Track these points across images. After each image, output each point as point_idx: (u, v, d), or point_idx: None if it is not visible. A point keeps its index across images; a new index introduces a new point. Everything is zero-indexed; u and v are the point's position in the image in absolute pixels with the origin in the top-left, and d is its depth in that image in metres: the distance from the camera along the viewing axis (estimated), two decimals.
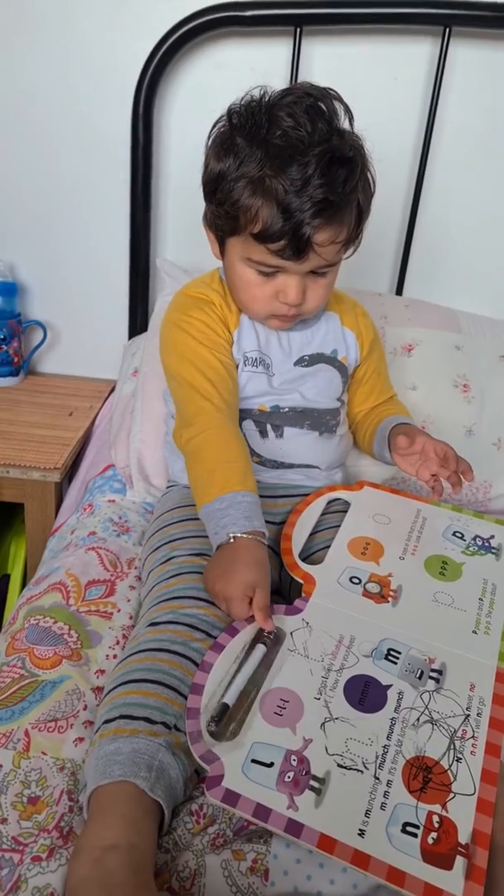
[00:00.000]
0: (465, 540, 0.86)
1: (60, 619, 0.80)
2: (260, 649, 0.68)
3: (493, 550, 0.85)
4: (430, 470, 0.88)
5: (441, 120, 1.23)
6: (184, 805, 0.63)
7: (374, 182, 0.80)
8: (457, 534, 0.87)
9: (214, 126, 0.79)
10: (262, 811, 0.55)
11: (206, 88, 1.25)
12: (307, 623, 0.72)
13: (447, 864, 0.53)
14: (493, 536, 0.87)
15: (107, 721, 0.62)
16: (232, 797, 0.56)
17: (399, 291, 1.34)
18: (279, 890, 0.57)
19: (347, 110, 0.78)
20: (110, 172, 1.31)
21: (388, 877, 0.52)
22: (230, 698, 0.63)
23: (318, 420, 0.93)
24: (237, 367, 0.89)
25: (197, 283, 0.93)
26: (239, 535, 0.73)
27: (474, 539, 0.86)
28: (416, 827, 0.55)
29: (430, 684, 0.66)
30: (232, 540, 0.73)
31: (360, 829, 0.54)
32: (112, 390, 1.38)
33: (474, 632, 0.73)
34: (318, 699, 0.64)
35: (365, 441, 1.02)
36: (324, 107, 0.76)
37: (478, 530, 0.88)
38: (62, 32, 1.23)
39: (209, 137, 0.80)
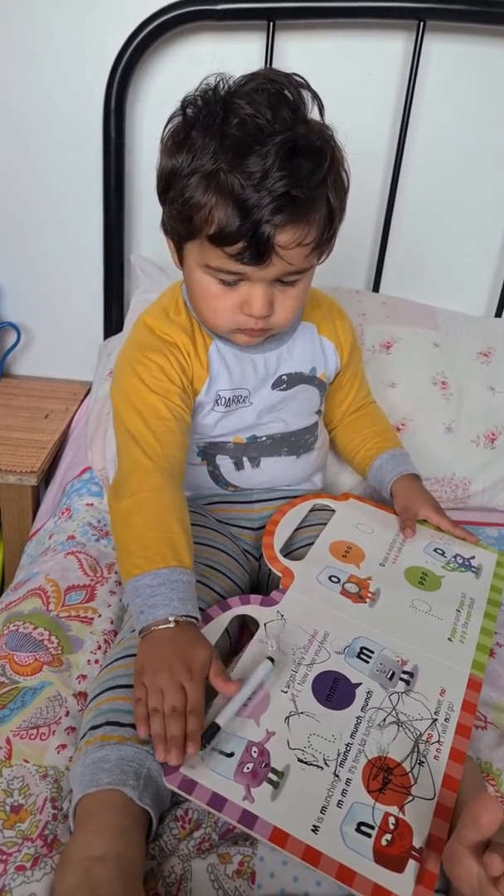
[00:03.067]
0: (445, 556, 0.87)
1: (40, 625, 0.78)
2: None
3: (473, 569, 0.86)
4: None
5: (416, 115, 1.23)
6: (169, 810, 0.62)
7: (348, 178, 0.72)
8: (438, 550, 0.88)
9: (169, 121, 0.71)
10: (217, 800, 0.55)
11: (180, 84, 1.21)
12: (282, 615, 0.72)
13: (399, 867, 0.53)
14: (473, 557, 0.88)
15: (93, 727, 0.61)
16: (188, 784, 0.56)
17: (376, 289, 1.34)
18: (266, 892, 0.57)
19: (316, 97, 0.69)
20: (83, 170, 1.29)
21: (337, 875, 0.52)
22: (224, 719, 0.60)
23: (295, 443, 0.91)
24: (209, 407, 0.83)
25: (159, 313, 0.83)
26: (178, 617, 0.65)
27: (455, 557, 0.87)
28: (371, 827, 0.55)
29: (401, 686, 0.67)
30: (172, 624, 0.65)
31: (314, 826, 0.54)
32: (88, 392, 1.37)
33: (449, 639, 0.74)
34: (286, 692, 0.64)
35: (355, 466, 1.03)
36: (289, 94, 0.67)
37: (459, 550, 0.89)
38: (31, 28, 1.21)
39: (163, 134, 0.71)
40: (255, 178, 0.63)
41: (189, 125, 0.68)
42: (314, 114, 0.70)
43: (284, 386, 0.87)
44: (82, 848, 0.53)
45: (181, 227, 0.70)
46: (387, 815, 0.56)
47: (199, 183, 0.66)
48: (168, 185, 0.70)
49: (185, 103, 0.69)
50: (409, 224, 1.32)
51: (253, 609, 0.72)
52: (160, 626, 0.65)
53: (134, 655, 0.67)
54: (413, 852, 0.54)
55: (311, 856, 0.53)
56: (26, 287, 1.42)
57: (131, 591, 0.69)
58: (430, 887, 0.52)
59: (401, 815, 0.56)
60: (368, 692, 0.65)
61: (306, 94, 0.68)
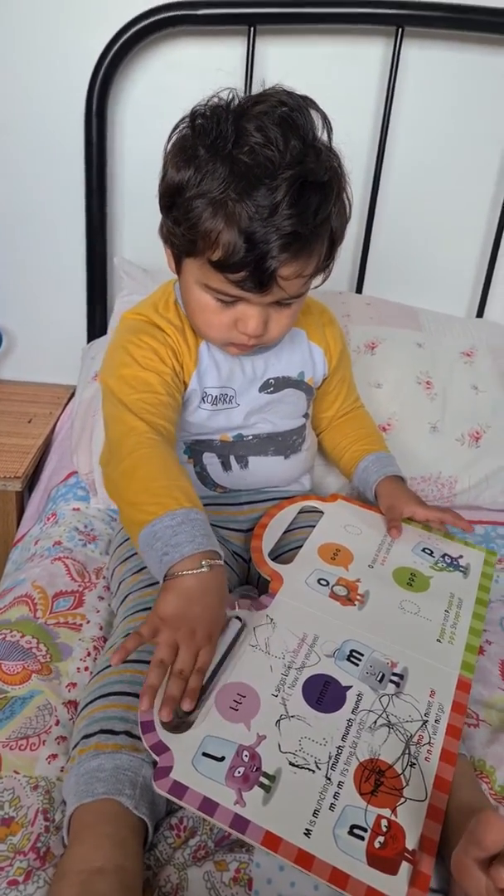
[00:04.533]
0: (433, 556, 0.87)
1: (28, 633, 0.77)
2: (234, 625, 0.66)
3: (461, 569, 0.86)
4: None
5: (396, 118, 1.24)
6: (163, 819, 0.61)
7: (350, 205, 0.72)
8: (426, 550, 0.88)
9: (175, 128, 0.70)
10: (208, 805, 0.54)
11: (162, 87, 1.24)
12: (271, 619, 0.72)
13: (392, 869, 0.53)
14: (461, 556, 0.88)
15: (86, 736, 0.60)
16: (179, 789, 0.55)
17: (359, 290, 1.34)
18: None
19: (326, 120, 0.69)
20: (65, 173, 1.28)
21: (330, 878, 0.51)
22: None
23: (282, 444, 0.91)
24: (195, 404, 0.84)
25: (147, 308, 0.83)
26: (213, 563, 0.64)
27: (443, 557, 0.87)
28: (364, 830, 0.55)
29: (391, 688, 0.67)
30: (205, 568, 0.63)
31: (306, 829, 0.54)
32: (72, 396, 1.36)
33: (438, 640, 0.74)
34: (276, 696, 0.64)
35: (341, 469, 1.03)
36: (299, 119, 0.66)
37: (447, 549, 0.89)
38: (11, 32, 1.20)
39: (169, 140, 0.71)
40: (263, 212, 0.63)
41: (197, 139, 0.67)
42: (323, 136, 0.69)
43: (272, 389, 0.87)
44: (80, 860, 0.52)
45: (184, 244, 0.70)
46: (379, 817, 0.56)
47: (205, 207, 0.65)
48: (173, 199, 0.69)
49: (195, 114, 0.68)
50: (390, 227, 1.32)
51: (242, 613, 0.72)
52: (190, 571, 0.63)
53: (127, 662, 0.65)
54: (406, 854, 0.54)
55: (304, 859, 0.52)
56: (8, 290, 1.41)
57: (147, 538, 0.65)
58: (424, 889, 0.52)
59: (393, 818, 0.56)
60: (359, 695, 0.65)
61: (316, 116, 0.68)
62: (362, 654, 0.69)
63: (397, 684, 0.67)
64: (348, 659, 0.69)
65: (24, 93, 1.24)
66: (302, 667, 0.67)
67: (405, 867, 0.53)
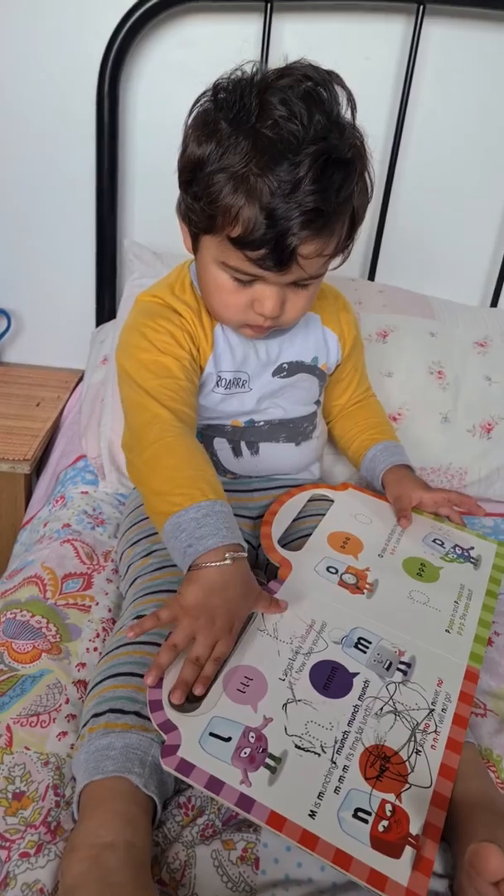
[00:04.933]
0: (444, 547, 0.87)
1: (38, 613, 0.78)
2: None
3: (472, 560, 0.86)
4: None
5: (414, 101, 1.22)
6: (171, 798, 0.62)
7: (371, 185, 0.71)
8: (437, 541, 0.87)
9: (197, 102, 0.69)
10: (214, 783, 0.55)
11: (175, 66, 1.22)
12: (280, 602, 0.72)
13: (395, 853, 0.53)
14: (472, 548, 0.88)
15: (96, 715, 0.61)
16: (186, 767, 0.56)
17: (371, 277, 1.33)
18: (270, 878, 0.57)
19: (350, 98, 0.67)
20: (75, 153, 1.27)
21: (334, 859, 0.52)
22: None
23: (294, 430, 0.90)
24: (210, 386, 0.83)
25: (163, 289, 0.82)
26: (237, 556, 0.65)
27: (454, 548, 0.87)
28: (368, 813, 0.55)
29: (398, 676, 0.67)
30: (229, 560, 0.64)
31: (311, 811, 0.54)
32: (80, 380, 1.36)
33: (447, 630, 0.74)
34: (283, 680, 0.64)
35: (349, 458, 1.02)
36: (324, 94, 0.65)
37: (458, 541, 0.89)
38: (22, 11, 1.18)
39: (190, 113, 0.69)
40: (285, 187, 0.62)
41: (219, 113, 0.65)
42: (347, 113, 0.68)
43: (285, 374, 0.86)
44: (90, 835, 0.53)
45: (203, 221, 0.69)
46: (384, 801, 0.56)
47: (226, 182, 0.64)
48: (193, 175, 0.68)
49: (218, 88, 0.67)
50: (405, 211, 1.31)
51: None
52: (214, 563, 0.64)
53: (136, 643, 0.66)
54: (410, 839, 0.54)
55: (308, 840, 0.53)
56: (16, 272, 1.40)
57: (172, 529, 0.66)
58: (427, 874, 0.52)
59: (397, 803, 0.56)
60: (366, 682, 0.65)
61: (341, 92, 0.67)
62: (370, 642, 0.69)
63: (405, 672, 0.67)
64: (356, 646, 0.69)
65: (35, 73, 1.23)
66: (309, 652, 0.67)
67: (409, 851, 0.53)
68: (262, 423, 0.88)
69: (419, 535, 0.88)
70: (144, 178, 1.30)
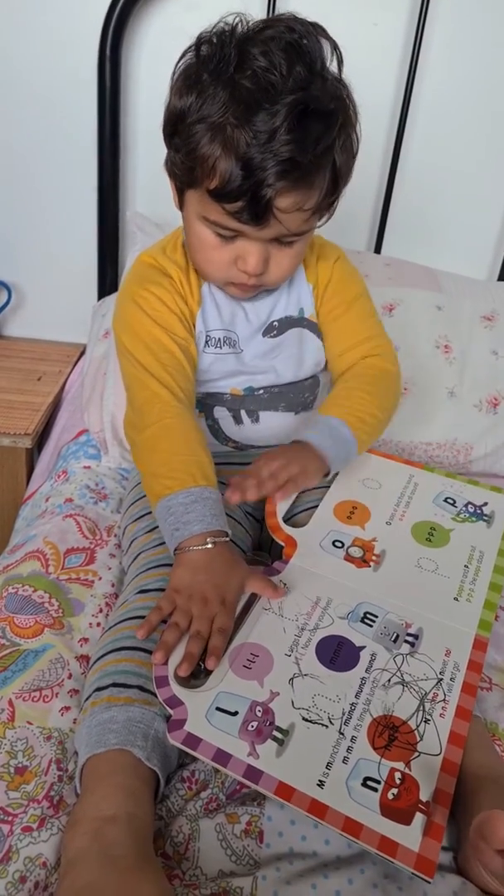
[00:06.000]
0: (456, 506, 0.85)
1: (40, 588, 0.77)
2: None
3: (484, 518, 0.84)
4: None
5: (423, 68, 1.19)
6: (175, 772, 0.62)
7: (357, 141, 0.69)
8: (448, 500, 0.86)
9: (182, 57, 0.68)
10: (222, 756, 0.55)
11: (178, 31, 1.16)
12: (284, 584, 0.71)
13: (406, 820, 0.53)
14: (486, 504, 0.86)
15: (99, 689, 0.61)
16: (193, 741, 0.56)
17: (378, 249, 1.31)
18: (274, 851, 0.56)
19: (335, 49, 0.66)
20: (77, 122, 1.24)
21: (344, 827, 0.52)
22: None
23: (293, 400, 0.89)
24: (200, 347, 0.82)
25: (157, 250, 0.83)
26: (218, 540, 0.68)
27: (466, 506, 0.85)
28: (378, 782, 0.55)
29: (405, 648, 0.66)
30: (210, 545, 0.68)
31: (319, 780, 0.54)
32: (81, 354, 1.34)
33: (455, 598, 0.72)
34: (289, 656, 0.64)
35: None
36: (307, 46, 0.64)
37: (470, 497, 0.87)
38: None
39: (174, 70, 0.68)
40: (261, 137, 0.61)
41: (201, 66, 0.65)
42: (332, 65, 0.66)
43: (275, 332, 0.85)
44: (92, 808, 0.53)
45: (184, 174, 0.69)
46: (392, 770, 0.56)
47: (204, 132, 0.64)
48: (175, 127, 0.68)
49: (200, 41, 0.66)
50: (412, 183, 1.28)
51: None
52: (197, 547, 0.68)
53: (138, 618, 0.66)
54: (420, 805, 0.54)
55: (318, 809, 0.52)
56: (17, 244, 1.38)
57: (162, 510, 0.70)
58: (438, 839, 0.52)
59: (407, 771, 0.56)
60: (373, 654, 0.65)
61: (326, 45, 0.65)
62: (376, 616, 0.69)
63: (412, 644, 0.67)
64: (362, 621, 0.68)
65: (36, 39, 1.20)
66: (315, 628, 0.67)
67: (419, 818, 0.53)
68: (261, 392, 0.87)
69: (430, 495, 0.86)
70: (147, 147, 1.28)
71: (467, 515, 0.84)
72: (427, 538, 0.80)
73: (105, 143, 1.21)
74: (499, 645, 0.78)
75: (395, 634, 0.67)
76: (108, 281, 1.32)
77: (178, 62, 0.68)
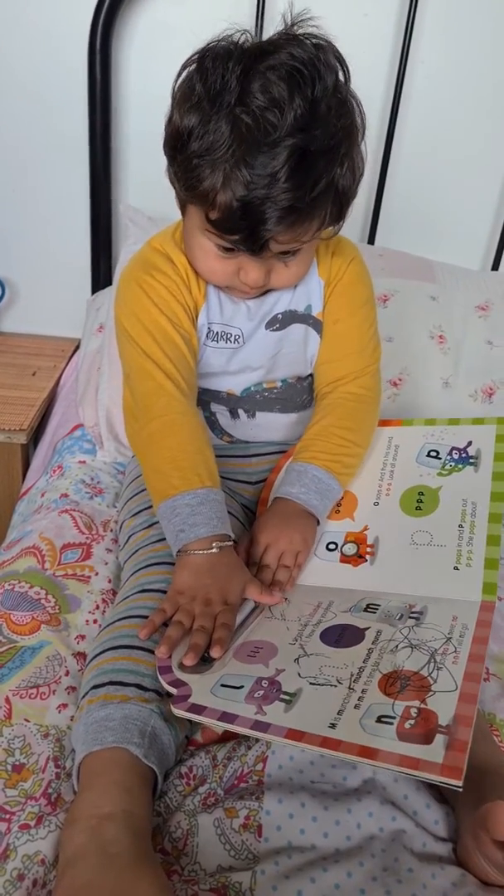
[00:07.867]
0: (440, 458, 0.82)
1: (36, 584, 0.77)
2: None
3: (471, 461, 0.80)
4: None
5: (413, 59, 1.18)
6: (173, 769, 0.62)
7: (363, 160, 0.68)
8: (432, 453, 0.82)
9: (185, 66, 0.66)
10: (227, 717, 0.55)
11: (169, 25, 1.18)
12: (285, 598, 0.72)
13: (426, 741, 0.50)
14: (470, 443, 0.82)
15: (95, 686, 0.60)
16: (197, 708, 0.56)
17: (371, 240, 1.31)
18: (273, 845, 0.56)
19: (343, 67, 0.64)
20: (67, 116, 1.23)
21: (359, 754, 0.50)
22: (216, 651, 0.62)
23: (288, 402, 0.88)
24: (202, 339, 0.81)
25: (166, 237, 0.81)
26: (223, 545, 0.69)
27: (450, 453, 0.82)
28: (392, 717, 0.53)
29: (410, 622, 0.65)
30: (215, 549, 0.68)
31: (331, 723, 0.53)
32: (76, 349, 1.33)
33: (455, 567, 0.71)
34: (294, 644, 0.64)
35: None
36: (308, 74, 0.61)
37: (453, 441, 0.83)
38: None
39: (177, 77, 0.67)
40: (260, 182, 0.61)
41: (203, 85, 0.63)
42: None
43: (278, 326, 0.83)
44: (90, 806, 0.53)
45: (185, 194, 0.68)
46: (408, 707, 0.53)
47: (207, 164, 0.63)
48: (175, 151, 0.66)
49: (205, 55, 0.64)
50: (405, 174, 1.28)
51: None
52: (202, 551, 0.68)
53: (138, 616, 0.66)
54: (440, 728, 0.51)
55: (331, 744, 0.51)
56: (9, 239, 1.37)
57: (167, 510, 0.70)
58: (462, 751, 0.48)
59: (422, 706, 0.53)
60: (378, 631, 0.64)
61: (334, 64, 0.63)
62: (378, 605, 0.68)
63: (417, 619, 0.65)
64: (365, 610, 0.68)
65: (25, 32, 1.19)
66: (318, 623, 0.67)
67: (440, 738, 0.50)
68: (256, 394, 0.86)
69: (412, 454, 0.83)
70: (139, 140, 1.27)
71: (453, 465, 0.80)
72: (417, 507, 0.78)
73: (96, 137, 1.20)
74: (496, 636, 0.78)
75: (399, 615, 0.66)
76: (101, 275, 1.31)
77: (181, 70, 0.66)
